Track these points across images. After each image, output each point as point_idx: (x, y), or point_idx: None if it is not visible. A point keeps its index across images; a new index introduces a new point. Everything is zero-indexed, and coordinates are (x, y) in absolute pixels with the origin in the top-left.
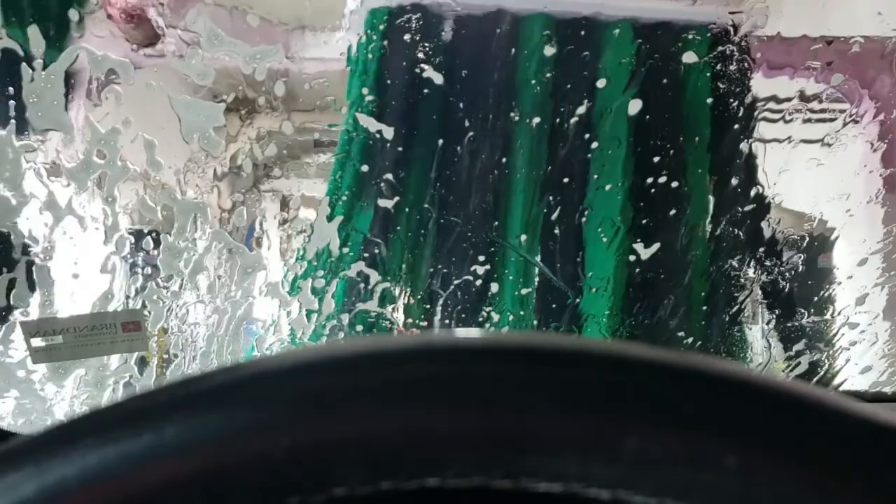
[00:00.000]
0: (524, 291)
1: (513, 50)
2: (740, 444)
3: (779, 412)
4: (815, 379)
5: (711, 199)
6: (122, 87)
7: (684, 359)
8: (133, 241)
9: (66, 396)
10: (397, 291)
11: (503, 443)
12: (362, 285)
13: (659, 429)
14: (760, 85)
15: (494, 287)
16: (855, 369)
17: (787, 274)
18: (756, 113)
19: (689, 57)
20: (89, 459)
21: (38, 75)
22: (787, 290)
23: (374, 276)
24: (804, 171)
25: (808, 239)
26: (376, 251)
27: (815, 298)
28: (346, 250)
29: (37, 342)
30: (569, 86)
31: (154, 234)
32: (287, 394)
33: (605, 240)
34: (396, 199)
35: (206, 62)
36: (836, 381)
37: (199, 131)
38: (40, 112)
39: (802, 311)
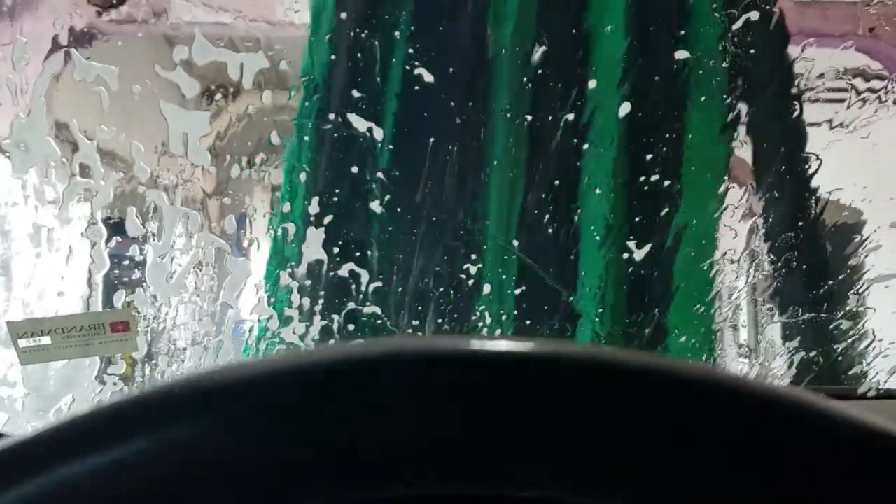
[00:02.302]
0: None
1: None
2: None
3: (735, 410)
4: (812, 377)
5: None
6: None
7: (646, 360)
8: (119, 240)
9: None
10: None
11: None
12: (353, 285)
13: (620, 433)
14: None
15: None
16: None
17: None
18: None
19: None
20: (68, 468)
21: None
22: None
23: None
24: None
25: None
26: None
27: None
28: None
29: (25, 343)
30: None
31: (141, 238)
32: (255, 403)
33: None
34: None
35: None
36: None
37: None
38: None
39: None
